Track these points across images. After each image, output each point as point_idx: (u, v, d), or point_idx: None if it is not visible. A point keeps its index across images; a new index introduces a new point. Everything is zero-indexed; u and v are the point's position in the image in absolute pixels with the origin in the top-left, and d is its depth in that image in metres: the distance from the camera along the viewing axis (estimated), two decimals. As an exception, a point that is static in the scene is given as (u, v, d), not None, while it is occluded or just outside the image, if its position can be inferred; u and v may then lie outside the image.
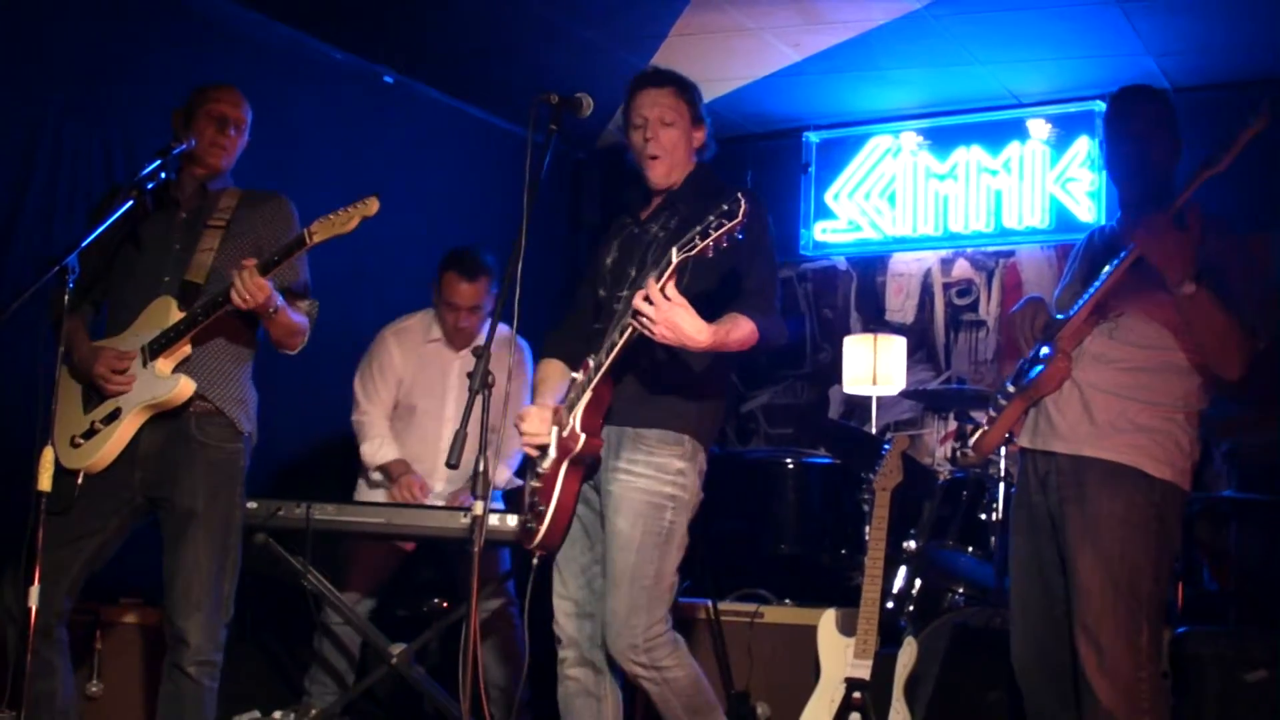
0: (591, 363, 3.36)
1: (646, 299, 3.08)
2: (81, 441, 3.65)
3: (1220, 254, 3.24)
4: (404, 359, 4.91)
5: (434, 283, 4.91)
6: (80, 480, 3.62)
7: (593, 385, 3.32)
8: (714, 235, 2.98)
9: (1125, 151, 3.43)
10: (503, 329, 3.25)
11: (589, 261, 3.73)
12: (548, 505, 3.34)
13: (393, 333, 4.97)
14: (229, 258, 3.71)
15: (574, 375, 3.46)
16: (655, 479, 3.37)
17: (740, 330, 3.25)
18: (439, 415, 4.86)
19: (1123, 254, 3.26)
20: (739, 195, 2.95)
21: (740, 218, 2.95)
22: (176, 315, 3.66)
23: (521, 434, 3.47)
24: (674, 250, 3.05)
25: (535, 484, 3.43)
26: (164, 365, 3.64)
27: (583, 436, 3.31)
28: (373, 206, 3.58)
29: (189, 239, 3.77)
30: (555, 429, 3.40)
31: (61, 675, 3.64)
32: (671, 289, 3.09)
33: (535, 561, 3.42)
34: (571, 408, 3.36)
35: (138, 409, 3.63)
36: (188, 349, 3.67)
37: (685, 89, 3.56)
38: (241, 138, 3.86)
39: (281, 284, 3.72)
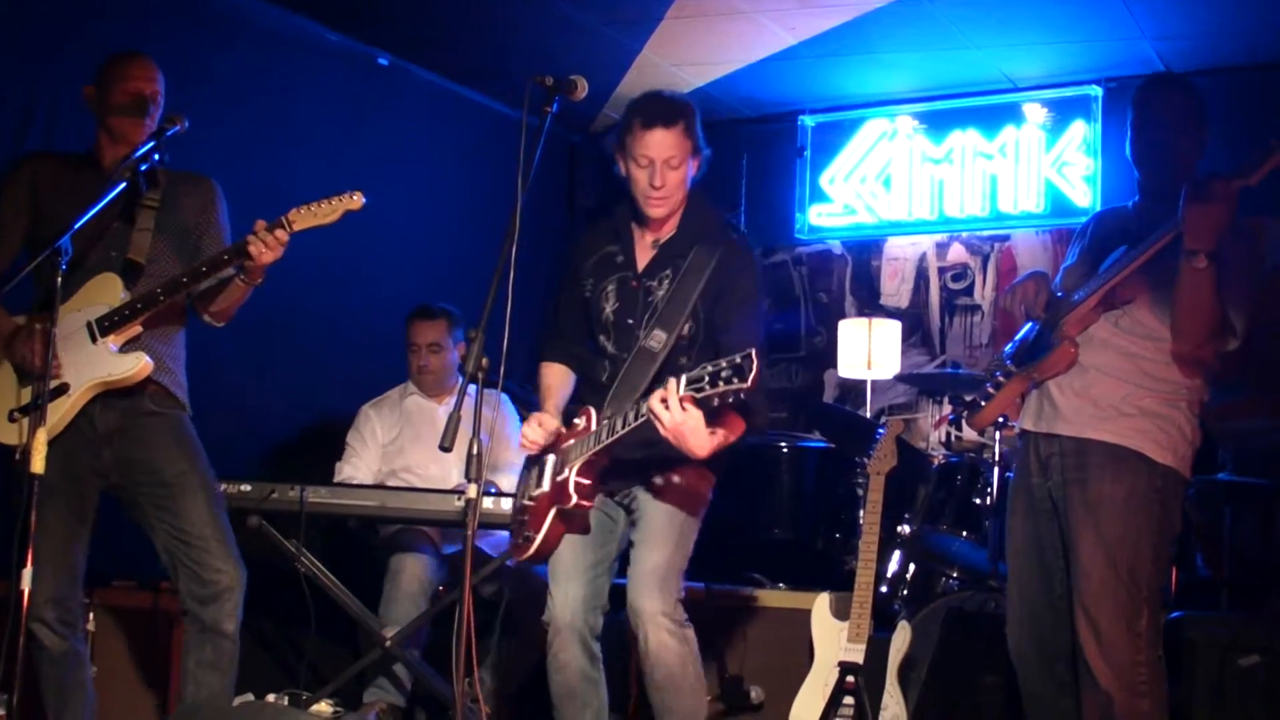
0: (594, 421, 3.38)
1: (664, 402, 3.09)
2: (20, 416, 3.56)
3: (1229, 238, 3.22)
4: (383, 422, 5.03)
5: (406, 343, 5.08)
6: (17, 456, 3.51)
7: (594, 451, 3.33)
8: (720, 389, 2.99)
9: (1153, 139, 3.40)
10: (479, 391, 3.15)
11: (574, 265, 3.69)
12: (535, 536, 3.36)
13: (370, 405, 5.11)
14: (166, 239, 3.67)
15: (576, 421, 3.45)
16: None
17: (735, 433, 3.37)
18: (436, 458, 4.87)
19: (1151, 240, 3.22)
20: (751, 356, 2.93)
21: (749, 384, 2.94)
22: (122, 293, 3.61)
23: (522, 434, 3.50)
24: (684, 380, 3.06)
25: (528, 503, 3.44)
26: (115, 342, 3.59)
27: (574, 498, 3.33)
28: (357, 200, 3.56)
29: (125, 216, 3.70)
30: (554, 458, 3.42)
31: (87, 667, 3.67)
32: (689, 402, 3.11)
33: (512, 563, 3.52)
34: (570, 454, 3.38)
35: (90, 385, 3.56)
36: (139, 329, 3.62)
37: (691, 123, 3.49)
38: (159, 110, 3.75)
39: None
